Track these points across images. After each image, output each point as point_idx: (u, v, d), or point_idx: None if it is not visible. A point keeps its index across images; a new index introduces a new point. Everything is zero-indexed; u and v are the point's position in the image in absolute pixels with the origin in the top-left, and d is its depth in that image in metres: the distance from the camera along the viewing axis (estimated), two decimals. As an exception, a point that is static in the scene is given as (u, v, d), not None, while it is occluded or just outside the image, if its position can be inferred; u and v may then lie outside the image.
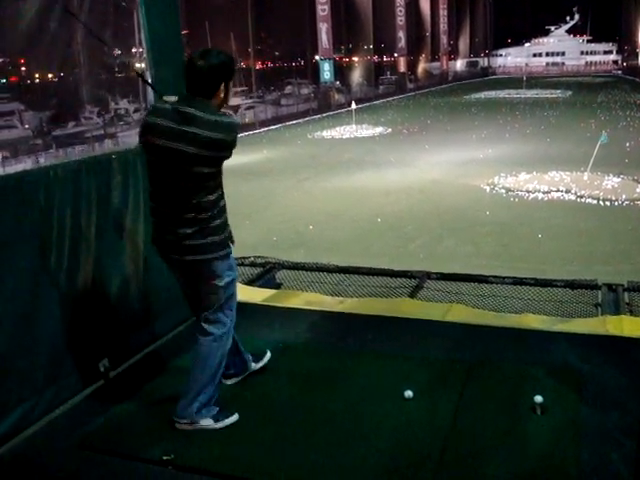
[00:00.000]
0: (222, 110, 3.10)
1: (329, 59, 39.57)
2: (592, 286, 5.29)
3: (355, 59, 53.49)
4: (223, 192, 3.15)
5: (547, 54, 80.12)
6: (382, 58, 60.27)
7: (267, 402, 3.52)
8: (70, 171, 3.62)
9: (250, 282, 5.61)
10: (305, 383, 3.71)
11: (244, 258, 6.18)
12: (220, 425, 3.25)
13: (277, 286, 5.73)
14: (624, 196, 11.97)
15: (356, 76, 49.96)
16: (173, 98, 3.02)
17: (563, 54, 79.33)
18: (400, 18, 50.08)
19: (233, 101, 34.93)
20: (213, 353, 3.24)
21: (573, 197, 12.34)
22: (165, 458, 3.03)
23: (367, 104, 39.94)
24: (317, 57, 41.51)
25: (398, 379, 3.65)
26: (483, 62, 78.77)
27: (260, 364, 3.82)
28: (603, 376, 3.61)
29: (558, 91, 45.12)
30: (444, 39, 62.97)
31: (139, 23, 4.16)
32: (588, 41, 79.52)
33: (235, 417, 3.31)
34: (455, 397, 3.44)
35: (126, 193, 4.00)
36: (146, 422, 3.38)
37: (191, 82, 2.98)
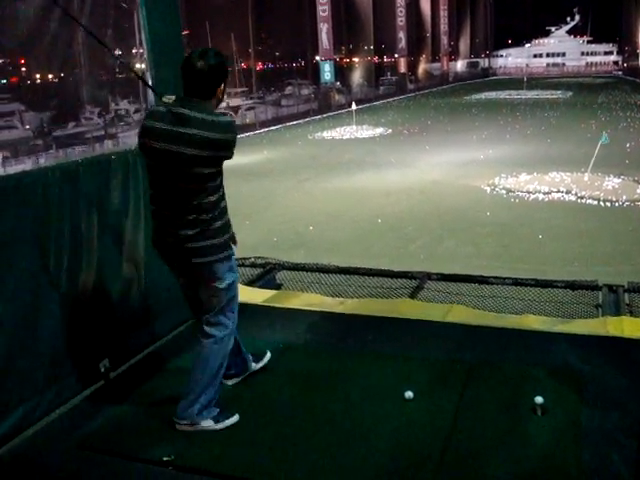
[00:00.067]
0: (219, 110, 3.10)
1: (329, 60, 39.58)
2: (593, 287, 5.28)
3: (355, 60, 53.49)
4: (224, 193, 3.14)
5: (548, 55, 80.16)
6: (382, 59, 60.27)
7: (267, 403, 3.52)
8: (69, 172, 3.62)
9: (250, 283, 5.61)
10: (305, 384, 3.71)
11: (244, 259, 6.18)
12: (220, 426, 3.25)
13: (277, 287, 5.73)
14: (625, 197, 11.97)
15: (356, 77, 49.98)
16: (172, 97, 3.01)
17: (564, 55, 79.36)
18: (400, 19, 50.08)
19: (233, 102, 34.99)
20: (214, 355, 3.24)
21: (574, 198, 12.33)
22: (165, 459, 3.03)
23: (367, 105, 39.97)
24: (317, 58, 41.52)
25: (398, 380, 3.65)
26: (484, 63, 78.77)
27: (260, 364, 3.82)
28: (604, 377, 3.61)
29: (559, 92, 45.12)
30: (444, 40, 62.98)
31: (139, 24, 4.15)
32: (589, 42, 79.58)
33: (235, 418, 3.31)
34: (455, 398, 3.44)
35: (126, 193, 4.00)
36: (146, 423, 3.38)
37: (190, 84, 2.96)
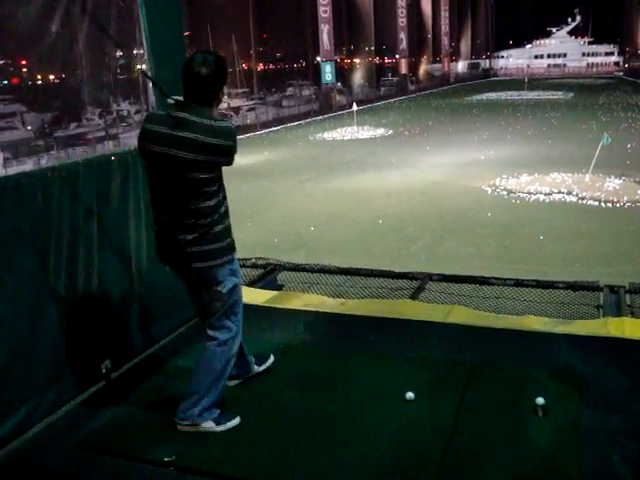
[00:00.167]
0: (217, 111, 3.09)
1: (330, 60, 39.57)
2: (594, 288, 5.28)
3: (356, 61, 53.47)
4: (224, 198, 3.12)
5: (549, 56, 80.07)
6: (383, 60, 60.28)
7: (268, 403, 3.52)
8: (69, 172, 3.62)
9: (251, 284, 5.62)
10: (306, 384, 3.71)
11: (245, 260, 6.19)
12: (222, 428, 3.26)
13: (278, 287, 5.73)
14: (626, 198, 11.96)
15: (357, 78, 49.96)
16: (180, 98, 3.01)
17: (565, 56, 79.29)
18: (401, 19, 50.07)
19: (234, 103, 34.99)
20: (217, 357, 3.24)
21: (575, 199, 12.33)
22: (166, 459, 3.04)
23: (368, 105, 39.99)
24: (318, 58, 41.51)
25: (399, 380, 3.65)
26: (485, 64, 78.72)
27: (263, 367, 3.82)
28: (605, 378, 3.61)
29: (560, 93, 45.10)
30: (445, 41, 62.96)
31: (140, 24, 4.15)
32: (589, 43, 79.49)
33: (237, 420, 3.31)
34: (456, 399, 3.44)
35: (126, 194, 4.00)
36: (147, 423, 3.38)
37: (191, 90, 2.94)
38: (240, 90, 40.61)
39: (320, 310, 4.87)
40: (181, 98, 2.99)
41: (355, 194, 14.03)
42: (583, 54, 78.53)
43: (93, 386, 3.76)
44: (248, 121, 31.29)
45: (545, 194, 12.76)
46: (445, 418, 3.26)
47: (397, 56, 52.69)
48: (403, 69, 51.89)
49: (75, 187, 3.62)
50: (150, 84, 4.18)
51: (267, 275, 5.97)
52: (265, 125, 30.98)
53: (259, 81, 48.36)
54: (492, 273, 6.20)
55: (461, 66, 73.18)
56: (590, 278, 5.62)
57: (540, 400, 3.25)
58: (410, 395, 3.43)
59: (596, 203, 11.88)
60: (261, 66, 57.60)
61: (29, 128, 28.66)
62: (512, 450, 2.99)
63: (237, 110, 33.63)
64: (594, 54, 77.89)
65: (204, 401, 3.21)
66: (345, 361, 3.98)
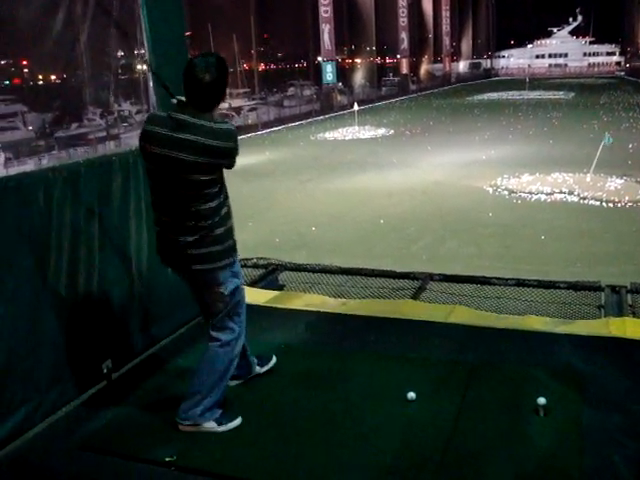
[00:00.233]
0: (218, 112, 3.09)
1: (332, 60, 39.56)
2: (595, 288, 5.27)
3: (357, 60, 53.44)
4: (226, 200, 3.12)
5: (550, 55, 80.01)
6: (384, 60, 60.24)
7: (269, 403, 3.52)
8: (70, 172, 3.62)
9: (253, 283, 5.62)
10: (307, 384, 3.72)
11: (247, 259, 6.19)
12: (223, 429, 3.26)
13: (280, 287, 5.73)
14: (627, 197, 11.94)
15: (358, 77, 49.94)
16: (183, 99, 3.00)
17: (566, 55, 79.22)
18: (402, 19, 50.06)
19: (236, 103, 34.97)
20: (220, 358, 3.24)
21: (576, 199, 12.31)
22: (168, 459, 3.04)
23: (369, 105, 39.96)
24: (320, 58, 41.52)
25: (400, 381, 3.65)
26: (486, 63, 78.67)
27: (265, 368, 3.83)
28: (606, 378, 3.61)
29: (561, 92, 45.06)
30: (447, 40, 62.95)
31: (141, 24, 4.14)
32: (591, 42, 79.41)
33: (238, 421, 3.31)
34: (457, 399, 3.44)
35: (127, 194, 4.00)
36: (148, 423, 3.38)
37: (193, 95, 2.91)
38: (241, 90, 40.58)
39: (321, 310, 4.87)
40: (184, 99, 2.99)
41: (356, 194, 14.02)
42: (584, 54, 78.47)
43: (94, 386, 3.77)
44: (249, 121, 31.27)
45: (546, 194, 12.75)
46: (446, 418, 3.26)
47: (398, 56, 52.67)
48: (404, 69, 51.87)
49: (76, 187, 3.62)
50: (151, 85, 4.17)
51: (268, 275, 5.97)
52: (266, 125, 30.97)
53: (260, 81, 48.35)
54: (493, 273, 6.19)
55: (462, 66, 73.13)
56: (591, 278, 5.62)
57: (541, 400, 3.25)
58: (411, 395, 3.43)
59: (597, 203, 11.86)
60: (262, 66, 57.60)
61: (30, 128, 28.67)
62: (513, 450, 2.99)
63: (238, 110, 33.61)
64: (595, 54, 77.83)
65: (206, 401, 3.21)
66: (346, 361, 3.98)
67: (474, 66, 75.52)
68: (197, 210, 2.97)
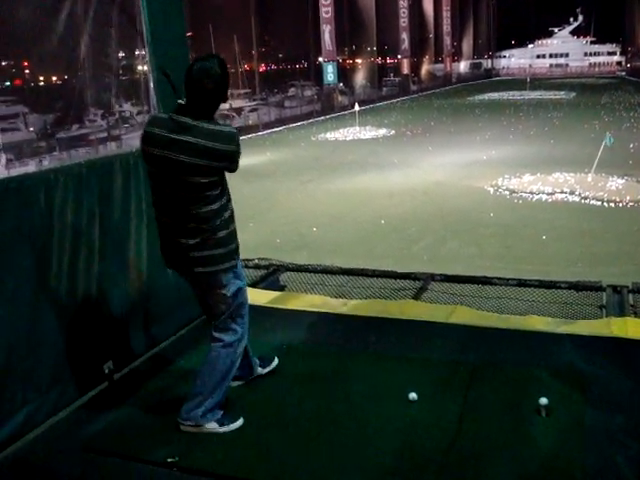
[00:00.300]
0: (218, 112, 3.08)
1: (332, 61, 39.56)
2: (596, 288, 5.27)
3: (358, 61, 53.42)
4: (228, 202, 3.11)
5: (551, 55, 79.95)
6: (385, 60, 60.20)
7: (271, 404, 3.52)
8: (71, 173, 3.63)
9: (254, 284, 5.62)
10: (308, 385, 3.72)
11: (248, 260, 6.18)
12: (225, 430, 3.26)
13: (281, 288, 5.73)
14: (628, 197, 11.93)
15: (359, 78, 49.94)
16: None
17: (567, 55, 79.15)
18: (403, 20, 50.05)
19: (236, 103, 34.96)
20: (222, 359, 3.24)
21: (577, 198, 12.30)
22: (169, 460, 3.04)
23: (370, 106, 39.95)
24: (320, 59, 41.53)
25: (402, 381, 3.64)
26: (487, 64, 78.62)
27: (267, 369, 3.82)
28: (608, 378, 3.60)
29: (562, 92, 45.03)
30: (447, 41, 62.91)
31: (142, 25, 4.14)
32: (592, 42, 79.33)
33: (240, 422, 3.31)
34: (459, 399, 3.44)
35: (128, 195, 4.01)
36: (150, 424, 3.38)
37: (194, 99, 2.90)
38: (242, 91, 40.59)
39: (322, 310, 4.87)
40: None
41: (357, 194, 14.02)
42: (585, 54, 78.39)
43: (95, 387, 3.77)
44: (250, 122, 31.25)
45: (547, 194, 12.74)
46: (448, 418, 3.26)
47: (399, 56, 52.65)
48: (405, 69, 51.85)
49: (77, 188, 3.62)
50: (151, 85, 4.17)
51: (269, 276, 5.97)
52: (267, 126, 30.97)
53: (261, 82, 48.36)
54: (494, 273, 6.19)
55: (463, 66, 73.08)
56: (593, 278, 5.61)
57: (543, 400, 3.25)
58: (413, 396, 3.43)
59: (599, 203, 11.85)
60: (263, 67, 57.59)
61: (31, 129, 28.70)
62: (515, 450, 2.98)
63: (239, 111, 33.59)
64: (596, 54, 77.74)
65: (208, 402, 3.21)
66: (347, 361, 3.97)
67: (475, 66, 75.46)
68: (197, 212, 2.96)
